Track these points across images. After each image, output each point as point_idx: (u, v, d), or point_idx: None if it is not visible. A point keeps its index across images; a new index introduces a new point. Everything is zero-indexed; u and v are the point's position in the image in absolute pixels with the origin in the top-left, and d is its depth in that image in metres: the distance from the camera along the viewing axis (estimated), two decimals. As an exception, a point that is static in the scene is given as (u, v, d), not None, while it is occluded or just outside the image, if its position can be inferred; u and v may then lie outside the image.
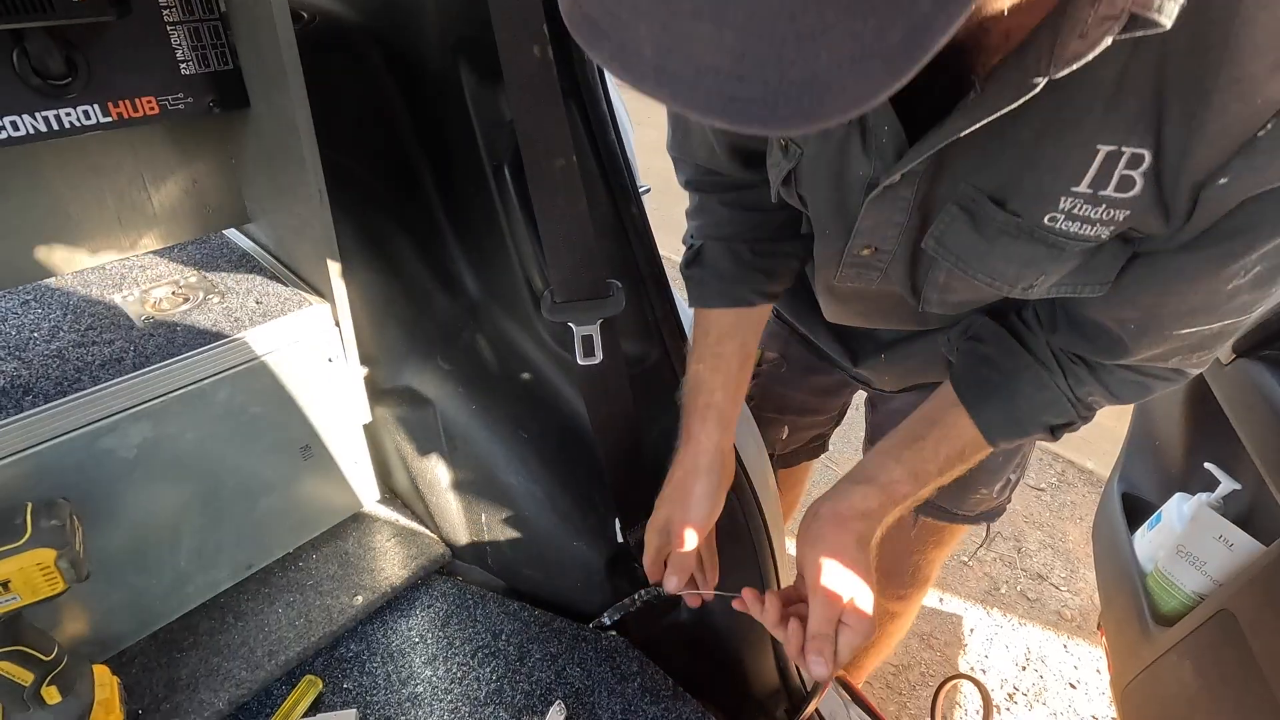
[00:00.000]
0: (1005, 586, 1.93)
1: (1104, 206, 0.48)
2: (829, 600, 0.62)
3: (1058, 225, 0.51)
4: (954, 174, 0.53)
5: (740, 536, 0.92)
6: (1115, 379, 0.63)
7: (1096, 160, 0.47)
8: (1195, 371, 0.62)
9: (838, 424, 1.20)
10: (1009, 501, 1.02)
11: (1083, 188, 0.48)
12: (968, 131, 0.46)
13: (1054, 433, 0.67)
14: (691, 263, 0.80)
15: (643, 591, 0.90)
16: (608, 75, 0.81)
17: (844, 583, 0.63)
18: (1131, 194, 0.47)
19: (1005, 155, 0.50)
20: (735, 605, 0.70)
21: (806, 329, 0.98)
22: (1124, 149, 0.45)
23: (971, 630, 1.81)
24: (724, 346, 0.78)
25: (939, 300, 0.65)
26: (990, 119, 0.45)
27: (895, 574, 1.14)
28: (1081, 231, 0.50)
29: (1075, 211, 0.50)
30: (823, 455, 1.26)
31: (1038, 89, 0.42)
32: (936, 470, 0.68)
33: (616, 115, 0.83)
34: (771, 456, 1.14)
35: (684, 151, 0.77)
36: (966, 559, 1.98)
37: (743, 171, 0.73)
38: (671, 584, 0.76)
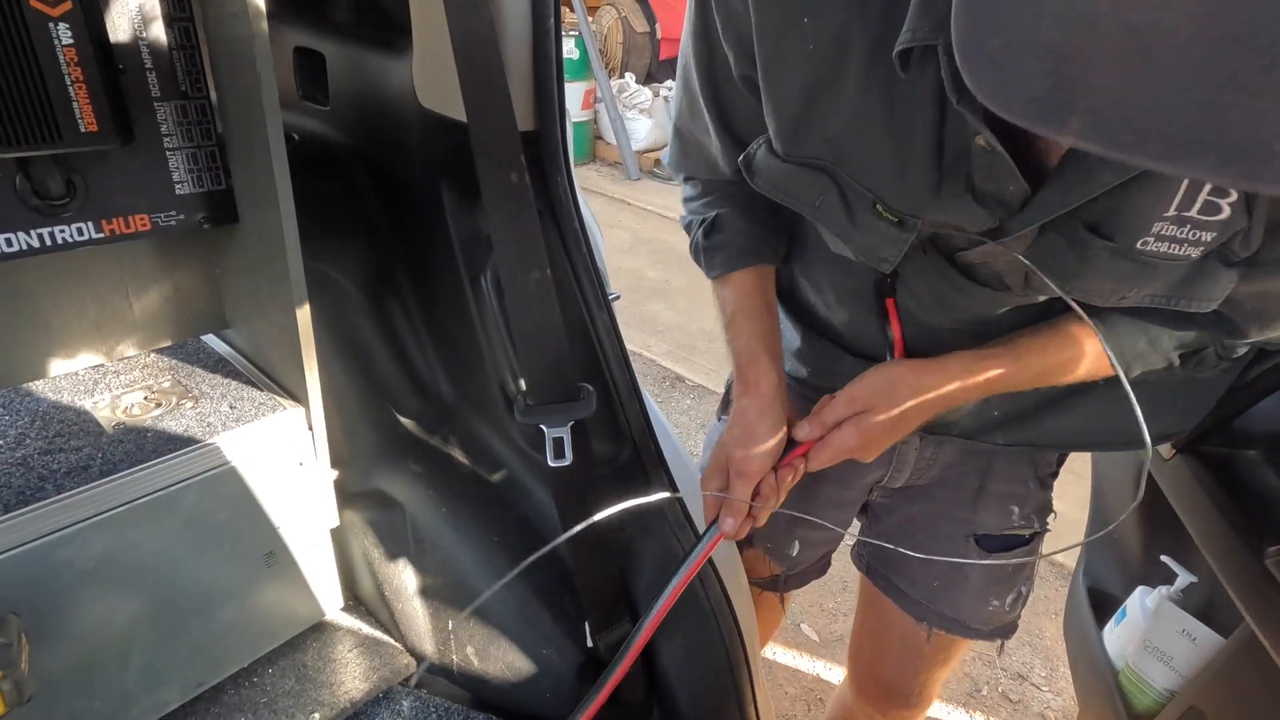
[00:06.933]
0: (986, 687, 1.89)
1: (1189, 228, 0.53)
2: (850, 400, 0.71)
3: (1149, 248, 0.55)
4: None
5: (711, 637, 0.91)
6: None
7: (1181, 186, 0.51)
8: None
9: (841, 539, 1.18)
10: (1019, 618, 1.00)
11: (1170, 212, 0.53)
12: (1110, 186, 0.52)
13: (1185, 362, 0.68)
14: (710, 233, 0.82)
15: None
16: (578, 192, 0.88)
17: (870, 400, 0.69)
18: (1219, 218, 0.52)
19: (1102, 194, 0.54)
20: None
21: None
22: None
23: (955, 736, 1.76)
24: (752, 301, 0.81)
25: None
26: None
27: (901, 692, 1.11)
28: (1170, 251, 0.55)
29: (1164, 233, 0.54)
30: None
31: None
32: (1035, 372, 0.69)
33: (587, 228, 0.89)
34: (779, 578, 1.12)
35: (684, 169, 0.84)
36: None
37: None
38: (727, 525, 0.75)
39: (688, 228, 0.88)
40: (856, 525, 1.12)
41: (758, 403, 0.76)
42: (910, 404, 0.69)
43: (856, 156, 0.62)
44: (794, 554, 1.07)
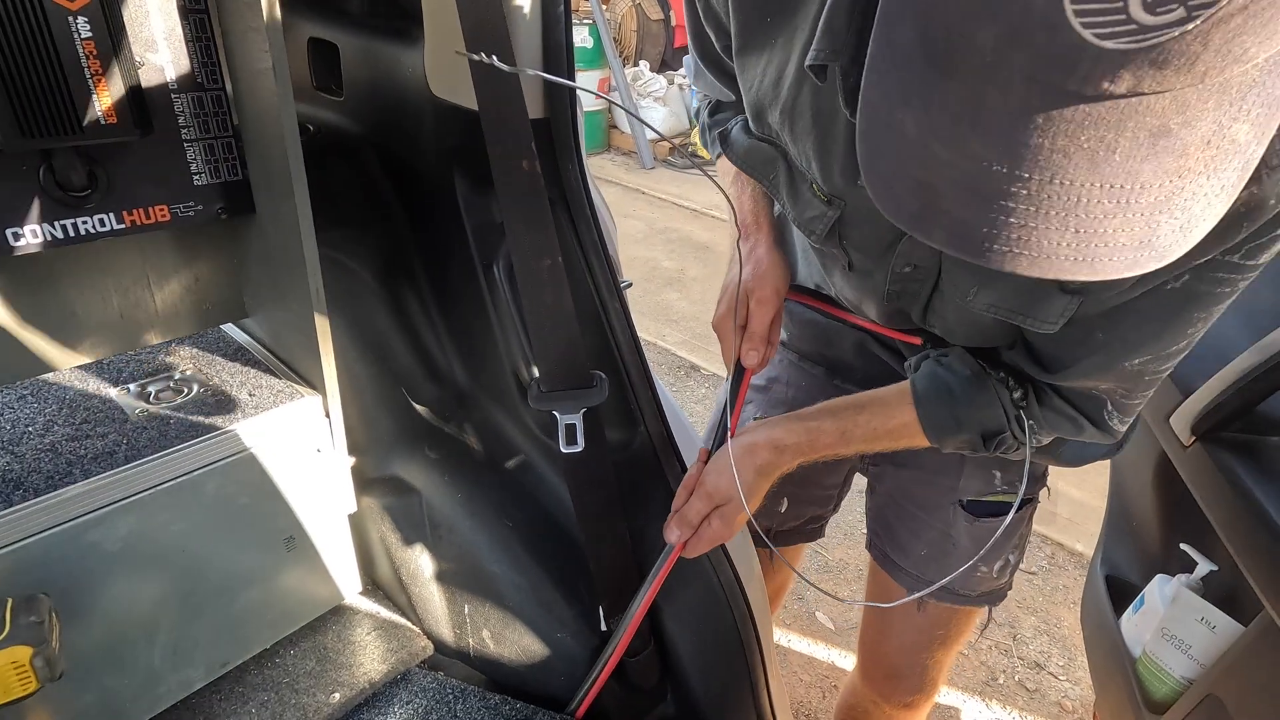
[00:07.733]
0: (1003, 676, 1.88)
1: None
2: (707, 497, 0.78)
3: None
4: None
5: (724, 623, 0.91)
6: (1051, 407, 0.69)
7: None
8: (1120, 427, 0.68)
9: (836, 508, 1.21)
10: (1009, 586, 1.03)
11: None
12: None
13: (987, 443, 0.72)
14: (715, 111, 0.88)
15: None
16: (590, 180, 0.88)
17: (726, 492, 0.76)
18: None
19: None
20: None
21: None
22: None
23: (971, 724, 1.75)
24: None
25: (939, 316, 0.74)
26: None
27: (905, 675, 1.12)
28: None
29: None
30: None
31: None
32: (863, 436, 0.77)
33: (599, 216, 0.89)
34: (768, 532, 1.16)
35: (699, 87, 0.90)
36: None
37: None
38: (752, 359, 0.83)
39: (696, 113, 0.95)
40: (834, 507, 1.19)
41: (766, 240, 0.85)
42: (760, 482, 0.78)
43: (796, 142, 0.70)
44: (782, 510, 1.12)
